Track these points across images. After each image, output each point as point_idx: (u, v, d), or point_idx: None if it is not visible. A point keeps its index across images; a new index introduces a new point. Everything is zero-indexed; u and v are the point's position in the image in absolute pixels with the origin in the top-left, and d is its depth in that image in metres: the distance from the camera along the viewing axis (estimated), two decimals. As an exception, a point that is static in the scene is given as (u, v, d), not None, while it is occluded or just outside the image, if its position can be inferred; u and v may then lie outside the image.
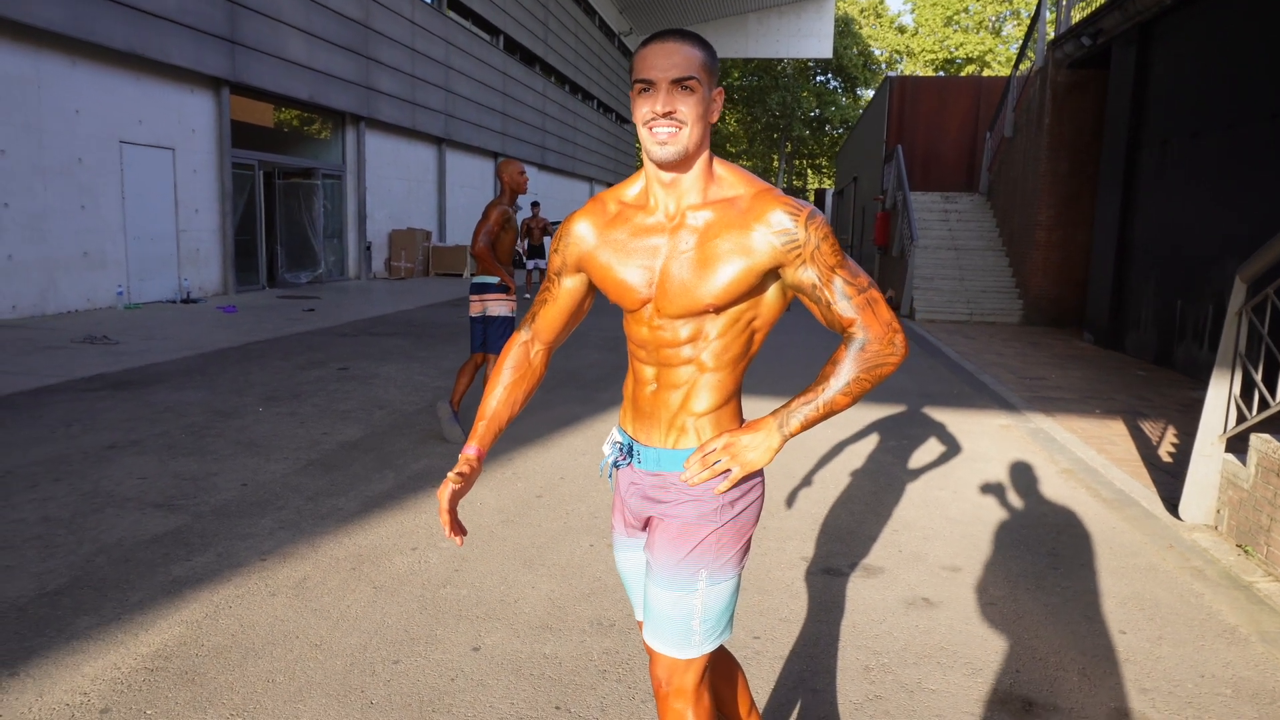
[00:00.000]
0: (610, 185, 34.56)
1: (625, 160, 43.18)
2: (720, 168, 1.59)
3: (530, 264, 15.74)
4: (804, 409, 1.54)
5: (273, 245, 16.02)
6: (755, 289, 1.55)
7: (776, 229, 1.50)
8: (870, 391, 1.55)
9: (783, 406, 1.57)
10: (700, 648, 1.63)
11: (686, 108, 1.48)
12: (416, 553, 3.64)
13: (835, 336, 11.42)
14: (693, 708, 1.64)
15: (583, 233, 1.67)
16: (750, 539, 1.67)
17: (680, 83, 1.48)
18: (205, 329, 10.07)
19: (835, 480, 4.90)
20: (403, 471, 4.78)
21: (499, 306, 5.48)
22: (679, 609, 1.61)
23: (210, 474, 4.60)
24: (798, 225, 1.50)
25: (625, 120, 43.13)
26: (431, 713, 2.47)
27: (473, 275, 5.57)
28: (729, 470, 1.56)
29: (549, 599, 3.23)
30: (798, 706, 2.58)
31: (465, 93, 22.49)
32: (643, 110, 1.49)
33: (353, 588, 3.28)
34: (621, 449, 1.69)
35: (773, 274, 1.55)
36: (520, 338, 1.80)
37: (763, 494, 1.69)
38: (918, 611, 3.25)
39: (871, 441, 5.83)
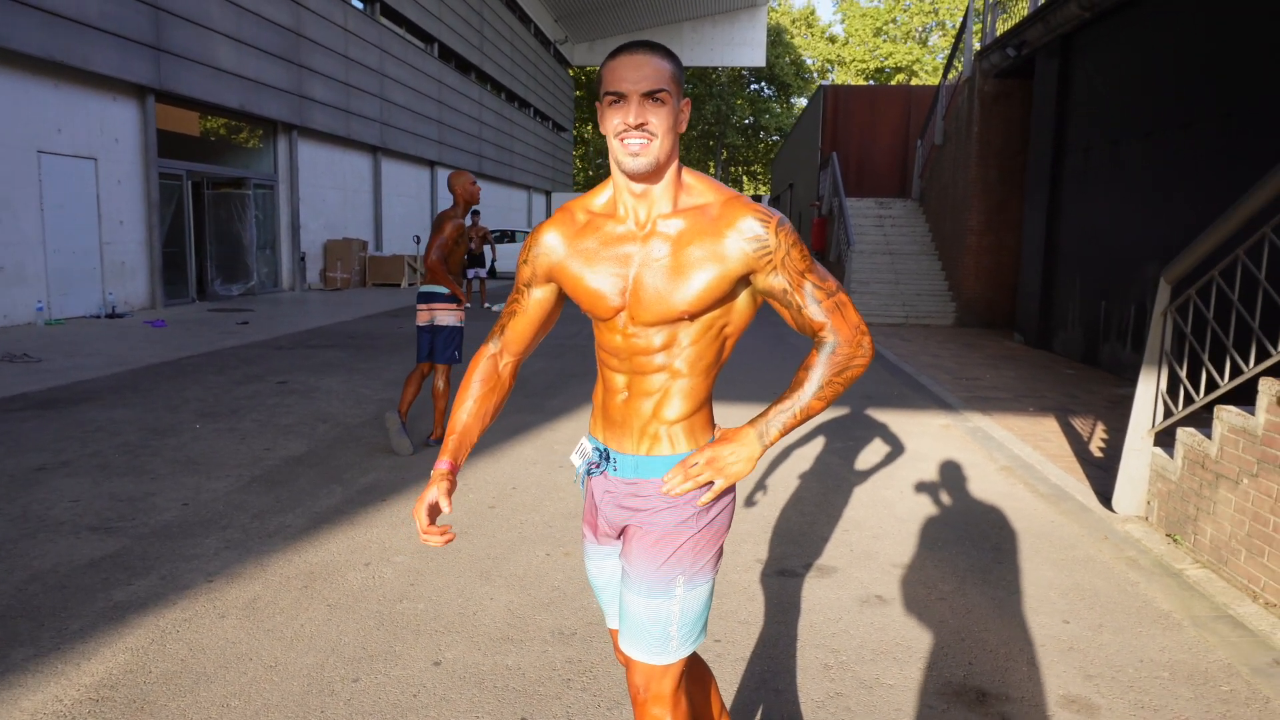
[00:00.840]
0: (549, 193, 34.49)
1: (562, 169, 43.12)
2: (689, 176, 1.61)
3: (470, 273, 15.59)
4: (781, 416, 1.58)
5: (203, 257, 15.57)
6: (727, 295, 1.57)
7: (748, 235, 1.53)
8: (842, 394, 1.59)
9: (760, 415, 1.60)
10: (677, 653, 1.64)
11: (658, 119, 1.50)
12: (370, 568, 3.58)
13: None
14: (671, 713, 1.65)
15: (552, 243, 1.66)
16: (721, 547, 1.69)
17: (651, 95, 1.49)
18: (133, 345, 9.73)
19: (785, 482, 4.97)
20: (351, 486, 4.69)
21: (447, 316, 5.42)
22: (656, 615, 1.62)
23: (148, 494, 4.45)
24: (768, 232, 1.53)
25: (562, 128, 43.08)
26: (395, 730, 2.44)
27: (420, 284, 5.50)
28: (711, 482, 1.58)
29: (508, 610, 3.21)
30: (761, 707, 2.62)
31: (400, 101, 22.20)
32: (614, 122, 1.50)
33: (305, 606, 3.21)
34: (599, 455, 1.69)
35: (744, 280, 1.58)
36: (488, 350, 1.78)
37: (734, 498, 1.72)
38: (872, 609, 3.32)
39: (818, 443, 5.93)
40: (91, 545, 3.74)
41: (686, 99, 1.58)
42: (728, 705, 2.62)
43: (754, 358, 9.80)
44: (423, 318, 5.47)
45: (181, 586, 3.35)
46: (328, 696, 2.60)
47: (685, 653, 1.65)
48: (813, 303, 1.57)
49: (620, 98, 1.49)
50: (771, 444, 1.58)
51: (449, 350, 5.41)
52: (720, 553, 1.69)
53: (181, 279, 14.60)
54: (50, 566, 3.50)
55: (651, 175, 1.54)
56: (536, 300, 1.72)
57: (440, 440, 5.60)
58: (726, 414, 6.36)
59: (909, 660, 2.92)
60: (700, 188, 1.59)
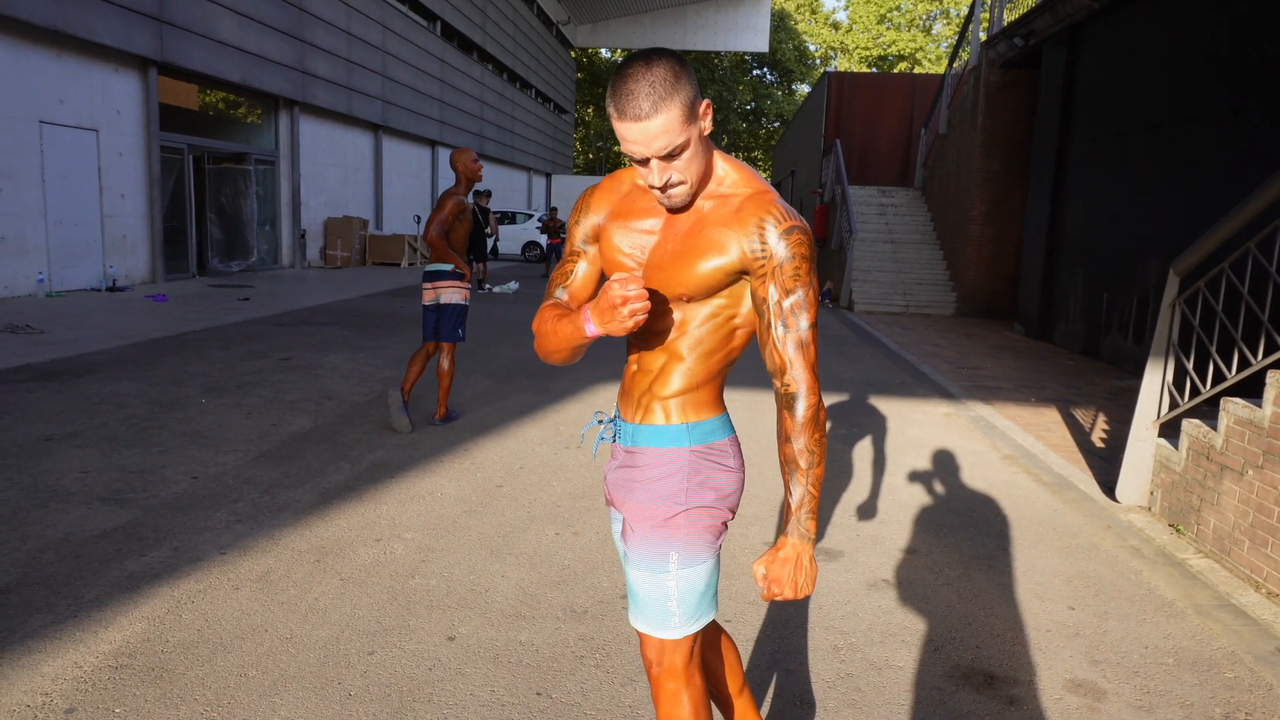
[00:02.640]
0: (549, 175, 34.37)
1: (563, 151, 42.95)
2: (725, 164, 1.61)
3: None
4: (807, 506, 1.55)
5: (203, 232, 15.51)
6: (726, 285, 1.57)
7: (752, 234, 1.51)
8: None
9: (788, 520, 1.57)
10: (682, 629, 1.66)
11: (682, 165, 1.51)
12: (381, 544, 3.60)
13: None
14: (685, 687, 1.67)
15: (599, 207, 1.71)
16: (725, 524, 1.69)
17: (674, 154, 1.49)
18: (135, 318, 9.71)
19: (790, 467, 5.00)
20: (358, 463, 4.71)
21: (452, 294, 5.41)
22: (655, 590, 1.64)
23: (158, 466, 4.47)
24: (774, 236, 1.51)
25: (563, 110, 42.87)
26: (412, 702, 2.46)
27: (425, 263, 5.49)
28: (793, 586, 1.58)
29: (519, 587, 3.24)
30: (773, 686, 2.65)
31: (402, 79, 22.07)
32: (640, 171, 1.54)
33: (319, 580, 3.23)
34: (610, 420, 1.76)
35: (743, 276, 1.58)
36: (552, 303, 1.72)
37: (740, 479, 1.70)
38: (879, 592, 3.35)
39: (822, 430, 5.96)
40: (103, 516, 3.76)
41: (704, 101, 1.51)
42: (740, 683, 2.65)
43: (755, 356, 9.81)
44: (428, 297, 5.47)
45: (194, 558, 3.37)
46: (344, 668, 2.62)
47: (691, 629, 1.66)
48: (783, 328, 1.52)
49: (640, 160, 1.51)
50: (815, 537, 1.61)
51: (453, 329, 5.41)
52: (720, 534, 1.68)
53: (182, 254, 14.55)
54: (63, 536, 3.52)
55: None
56: (594, 255, 1.73)
57: (445, 419, 5.61)
58: (736, 403, 6.38)
59: (917, 643, 2.95)
60: (735, 178, 1.60)
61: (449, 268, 5.38)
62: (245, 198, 16.26)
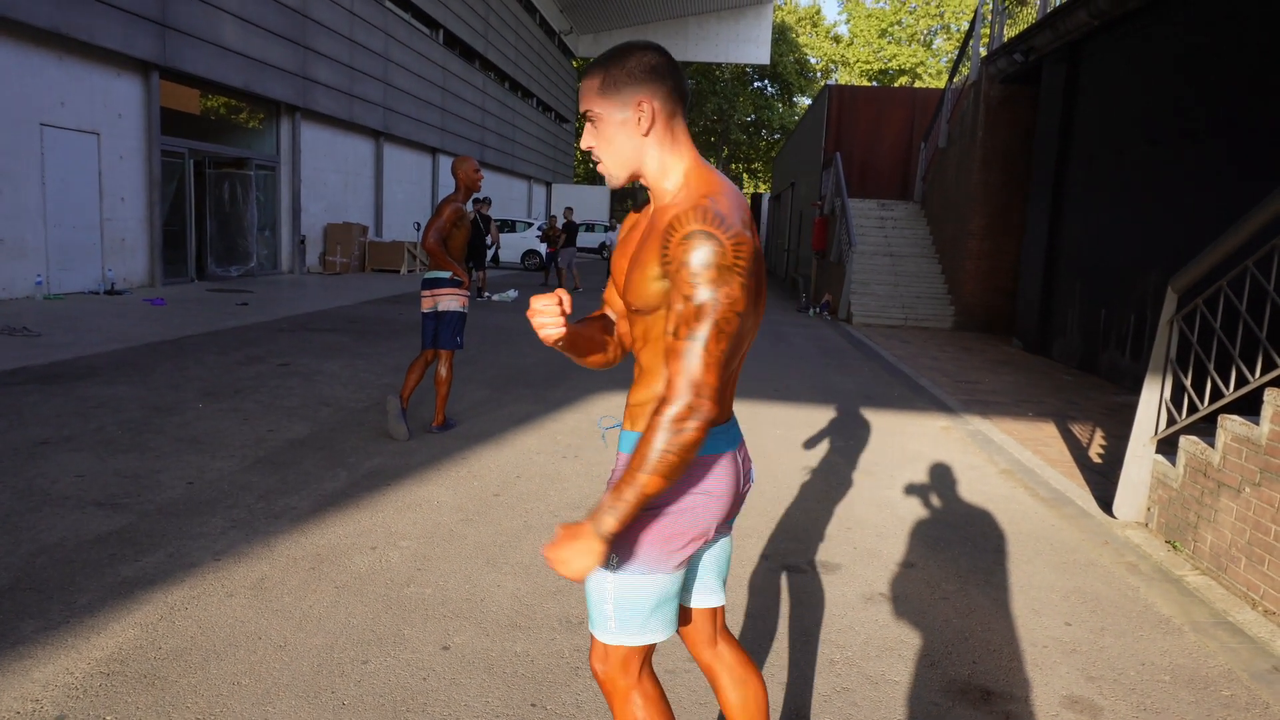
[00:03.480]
0: (549, 184, 34.49)
1: (564, 160, 43.04)
2: (689, 176, 1.58)
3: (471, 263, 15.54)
4: (617, 506, 1.45)
5: (202, 237, 15.50)
6: (661, 294, 1.52)
7: (663, 234, 1.48)
8: (688, 461, 1.44)
9: (600, 505, 1.49)
10: (616, 635, 1.62)
11: (598, 141, 1.60)
12: (376, 552, 3.59)
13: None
14: (616, 700, 1.67)
15: (622, 230, 1.79)
16: (678, 548, 1.60)
17: (587, 118, 1.60)
18: (133, 322, 9.70)
19: (788, 480, 4.99)
20: (355, 470, 4.70)
21: (450, 301, 5.40)
22: (595, 588, 1.63)
23: (153, 471, 4.45)
24: (675, 241, 1.45)
25: (564, 119, 42.99)
26: (406, 712, 2.45)
27: (424, 270, 5.49)
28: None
29: (515, 597, 3.23)
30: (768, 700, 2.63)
31: (404, 86, 22.13)
32: None
33: (313, 588, 3.21)
34: (618, 425, 1.81)
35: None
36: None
37: (705, 507, 1.61)
38: (876, 606, 3.34)
39: (821, 442, 5.95)
40: (97, 520, 3.74)
41: (642, 96, 1.54)
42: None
43: (751, 356, 9.81)
44: (426, 304, 5.46)
45: (189, 564, 3.35)
46: (338, 677, 2.61)
47: (625, 640, 1.62)
48: (672, 336, 1.45)
49: None
50: (612, 534, 1.47)
51: (451, 336, 5.40)
52: (667, 554, 1.60)
53: (181, 258, 14.54)
54: (56, 540, 3.50)
55: (637, 180, 1.64)
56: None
57: (442, 427, 5.60)
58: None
59: (913, 658, 2.94)
60: (689, 190, 1.55)
61: (448, 275, 5.37)
62: (245, 203, 16.27)
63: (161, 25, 12.87)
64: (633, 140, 1.57)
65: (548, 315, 1.56)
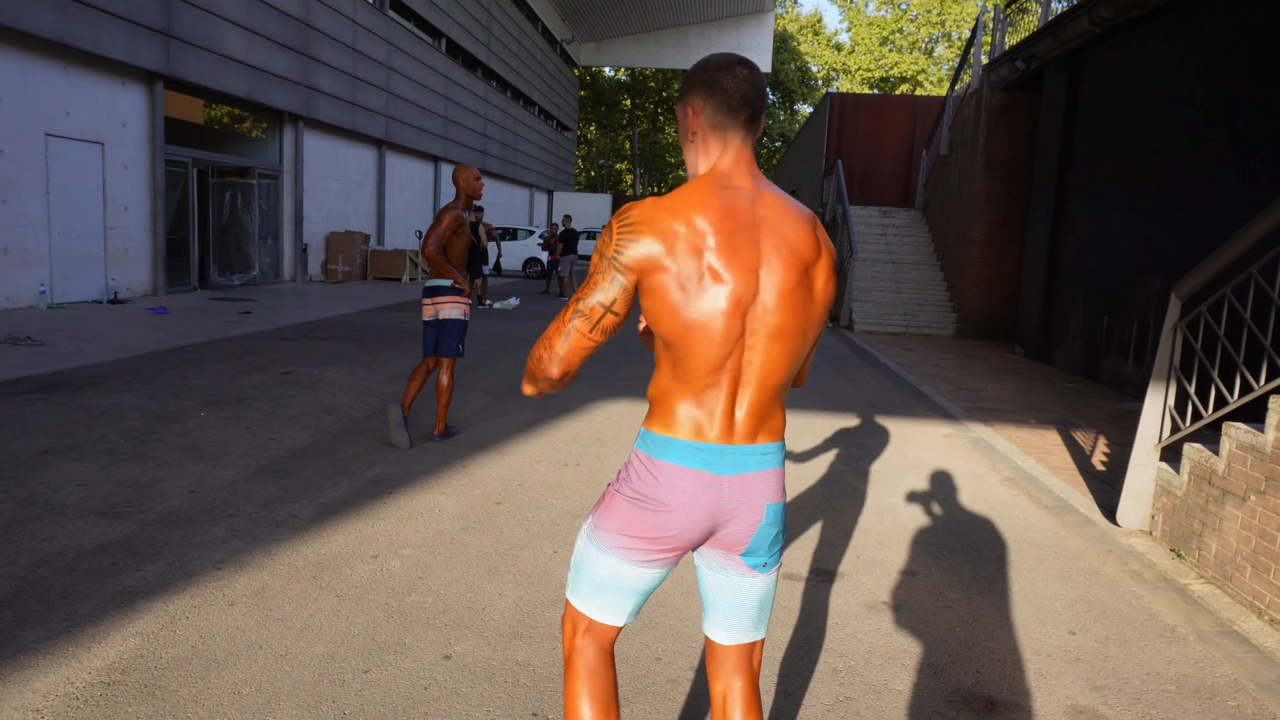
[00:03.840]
0: (550, 192, 34.62)
1: (565, 168, 43.13)
2: (687, 185, 1.66)
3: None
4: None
5: (205, 245, 15.55)
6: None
7: None
8: (530, 380, 1.66)
9: None
10: (569, 589, 1.75)
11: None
12: (378, 560, 3.58)
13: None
14: (565, 655, 1.77)
15: None
16: (630, 539, 1.63)
17: None
18: (136, 330, 9.71)
19: (791, 488, 4.98)
20: (357, 478, 4.69)
21: (451, 309, 5.40)
22: (579, 537, 1.78)
23: (155, 480, 4.45)
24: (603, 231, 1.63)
25: (566, 127, 43.09)
26: (407, 722, 2.44)
27: (425, 278, 5.49)
28: None
29: (517, 606, 3.22)
30: (771, 709, 2.62)
31: (406, 95, 22.20)
32: None
33: (314, 597, 3.21)
34: None
35: None
36: None
37: (654, 512, 1.61)
38: (879, 615, 3.33)
39: (823, 450, 5.94)
40: (99, 530, 3.74)
41: (692, 102, 1.66)
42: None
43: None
44: (427, 312, 5.46)
45: (190, 573, 3.34)
46: (339, 687, 2.60)
47: (571, 598, 1.73)
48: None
49: None
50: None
51: (452, 343, 5.40)
52: (605, 523, 1.66)
53: (184, 266, 14.58)
54: (58, 550, 3.50)
55: None
56: None
57: (444, 435, 5.60)
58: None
59: (917, 667, 2.93)
60: None
61: (448, 283, 5.38)
62: (248, 211, 16.31)
63: (166, 35, 12.94)
64: (685, 140, 1.69)
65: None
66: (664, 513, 1.60)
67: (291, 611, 3.07)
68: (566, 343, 1.58)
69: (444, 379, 5.45)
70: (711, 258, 1.52)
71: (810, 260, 1.60)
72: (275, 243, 17.50)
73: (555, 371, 1.59)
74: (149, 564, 3.41)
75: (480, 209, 15.78)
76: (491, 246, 24.06)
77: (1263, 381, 3.77)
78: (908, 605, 3.43)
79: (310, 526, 3.92)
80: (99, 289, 12.39)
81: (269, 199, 17.14)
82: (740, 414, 1.59)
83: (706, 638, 1.77)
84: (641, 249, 1.53)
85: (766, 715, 2.59)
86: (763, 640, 1.75)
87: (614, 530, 1.65)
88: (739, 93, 1.60)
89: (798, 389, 8.04)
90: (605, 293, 1.55)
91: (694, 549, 1.68)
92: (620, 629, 1.74)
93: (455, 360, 5.50)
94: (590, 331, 1.57)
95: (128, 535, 3.69)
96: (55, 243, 11.58)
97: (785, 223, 1.59)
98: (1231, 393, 3.99)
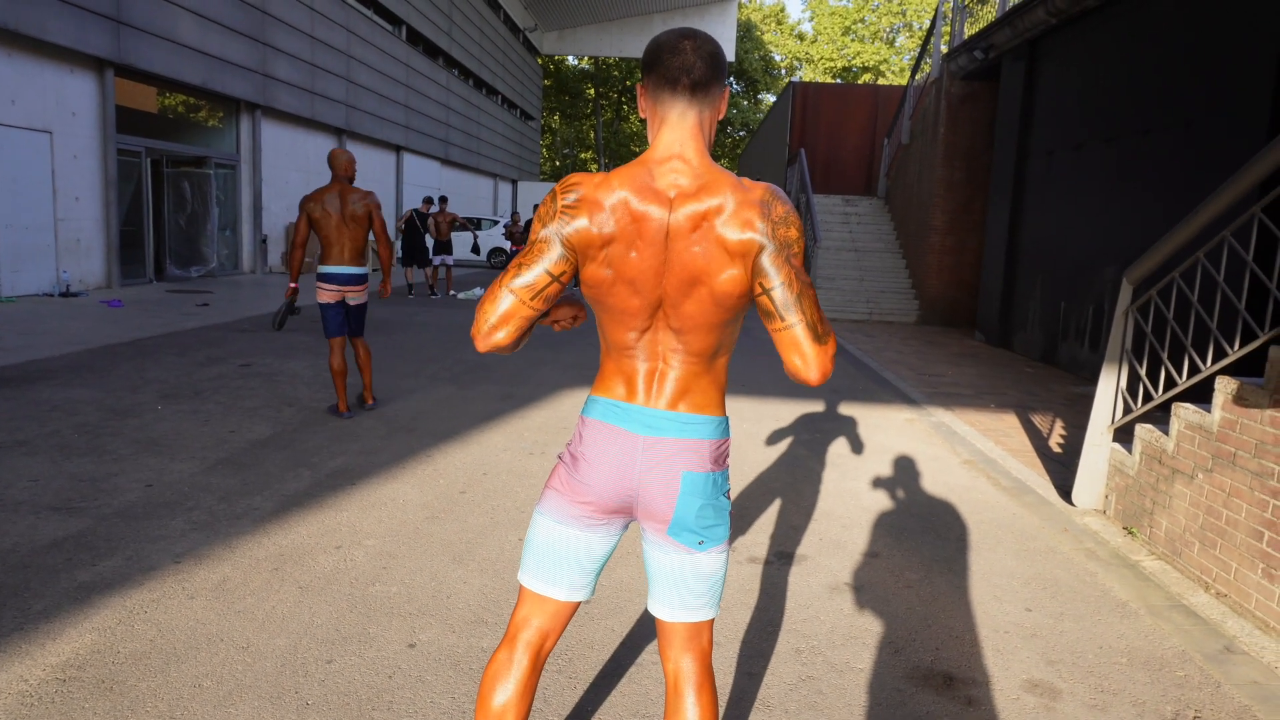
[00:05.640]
0: (515, 181, 34.31)
1: (530, 158, 42.84)
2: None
3: (437, 260, 15.41)
4: None
5: (161, 237, 15.22)
6: None
7: None
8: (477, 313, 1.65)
9: None
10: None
11: None
12: (341, 551, 3.55)
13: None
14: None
15: None
16: (554, 492, 1.70)
17: None
18: (90, 324, 9.50)
19: (754, 472, 5.02)
20: (319, 469, 4.64)
21: (358, 296, 5.88)
22: None
23: (110, 475, 4.37)
24: None
25: (530, 116, 42.79)
26: (371, 710, 2.43)
27: (327, 264, 5.75)
28: None
29: (482, 594, 3.21)
30: (734, 690, 2.65)
31: (367, 83, 21.88)
32: None
33: (276, 588, 3.18)
34: None
35: None
36: None
37: (569, 463, 1.69)
38: (841, 596, 3.38)
39: (786, 435, 6.00)
40: (53, 525, 3.66)
41: (642, 81, 1.64)
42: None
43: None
44: (333, 297, 5.76)
45: (148, 567, 3.29)
46: (302, 677, 2.58)
47: (519, 571, 1.75)
48: None
49: None
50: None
51: (362, 324, 5.95)
52: (549, 493, 1.71)
53: (139, 259, 14.26)
54: (10, 546, 3.42)
55: None
56: None
57: (373, 405, 6.09)
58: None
59: (878, 645, 2.98)
60: None
61: (363, 270, 5.80)
62: (205, 202, 15.99)
63: (116, 21, 12.61)
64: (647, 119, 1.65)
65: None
66: (583, 466, 1.66)
67: (253, 604, 3.04)
68: (503, 291, 1.56)
69: (364, 352, 5.99)
70: (627, 233, 1.55)
71: (732, 236, 1.53)
72: (234, 234, 17.19)
73: (491, 317, 1.58)
74: (105, 559, 3.35)
75: (445, 199, 15.65)
76: (465, 235, 23.88)
77: (1209, 363, 3.87)
78: (869, 586, 3.48)
79: (271, 518, 3.88)
80: (50, 282, 12.09)
81: (227, 189, 16.81)
82: (661, 382, 1.63)
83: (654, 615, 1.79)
84: (579, 223, 1.56)
85: (728, 696, 2.62)
86: (710, 621, 1.73)
87: (549, 489, 1.72)
88: (678, 63, 1.56)
89: (781, 379, 8.08)
90: (550, 260, 1.56)
91: (619, 516, 1.68)
92: (559, 620, 1.71)
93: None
94: (517, 277, 1.56)
95: (83, 531, 3.62)
96: (3, 234, 11.26)
97: (705, 203, 1.54)
98: (1180, 374, 4.09)
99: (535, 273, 1.55)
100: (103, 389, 6.28)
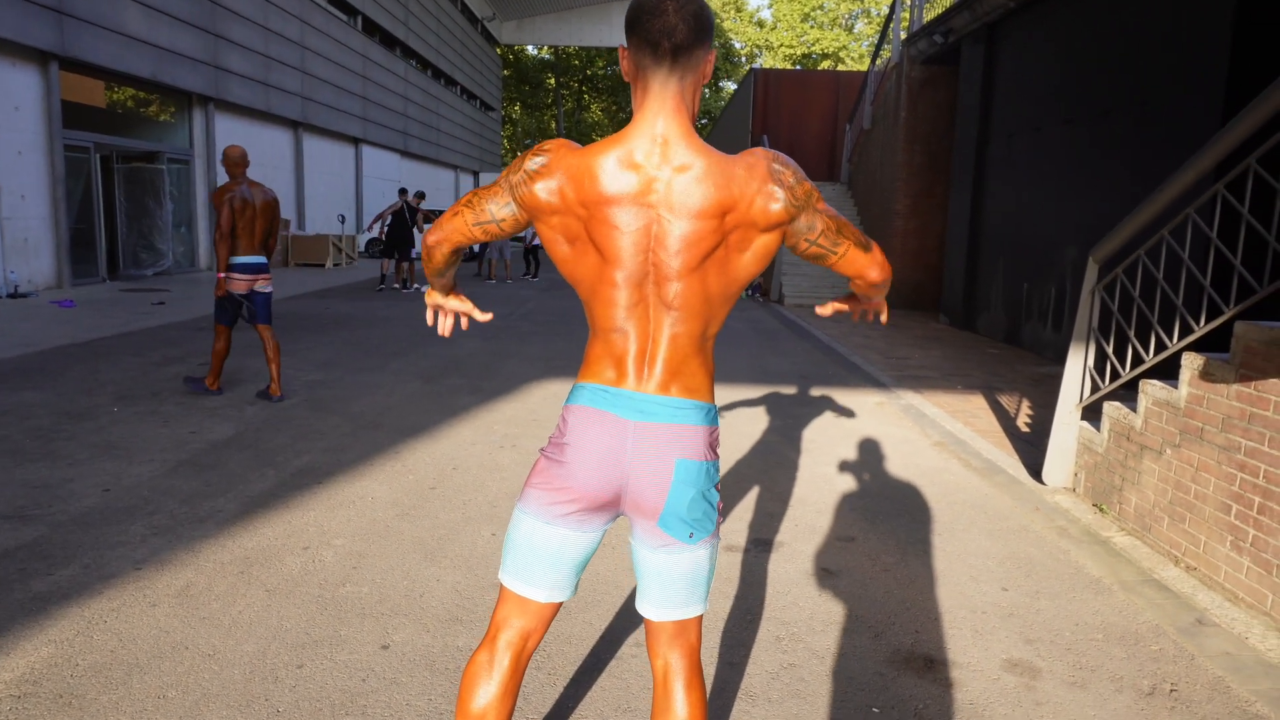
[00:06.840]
0: (476, 173, 34.00)
1: (490, 148, 42.44)
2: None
3: (416, 253, 15.20)
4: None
5: (113, 235, 14.83)
6: None
7: None
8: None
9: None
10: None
11: None
12: (309, 552, 3.46)
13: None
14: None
15: None
16: (538, 490, 1.61)
17: None
18: (41, 325, 9.21)
19: (727, 460, 5.00)
20: (284, 469, 4.53)
21: (266, 284, 6.08)
22: None
23: (65, 480, 4.22)
24: None
25: (490, 107, 42.37)
26: (345, 715, 2.36)
27: (242, 255, 5.85)
28: None
29: (455, 591, 3.15)
30: (714, 679, 2.62)
31: (323, 75, 21.49)
32: None
33: (242, 592, 3.08)
34: None
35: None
36: None
37: (558, 454, 1.60)
38: (819, 582, 3.36)
39: (758, 422, 5.98)
40: (5, 534, 3.52)
41: (625, 44, 1.58)
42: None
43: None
44: (243, 287, 5.90)
45: (107, 575, 3.18)
46: (272, 684, 2.50)
47: (500, 571, 1.69)
48: None
49: None
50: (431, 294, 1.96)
51: (269, 312, 6.10)
52: (532, 490, 1.62)
53: (91, 257, 13.87)
54: (-40, 557, 3.29)
55: None
56: None
57: (280, 398, 6.08)
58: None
59: (858, 630, 2.96)
60: None
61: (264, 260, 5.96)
62: (158, 198, 15.59)
63: (59, 13, 12.22)
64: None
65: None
66: (569, 454, 1.57)
67: (219, 609, 2.95)
68: (439, 231, 1.71)
69: (274, 342, 6.08)
70: (592, 206, 1.49)
71: (724, 209, 1.49)
72: (189, 230, 16.79)
73: (430, 249, 1.74)
74: (61, 568, 3.23)
75: (422, 194, 15.44)
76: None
77: (1175, 339, 3.91)
78: (846, 571, 3.47)
79: (236, 521, 3.77)
80: (-3, 283, 11.71)
81: (180, 185, 16.41)
82: (651, 364, 1.56)
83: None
84: (539, 192, 1.54)
85: (711, 686, 2.59)
86: (699, 616, 1.67)
87: (530, 486, 1.63)
88: (658, 25, 1.46)
89: (740, 363, 8.07)
90: (498, 207, 1.61)
91: (604, 512, 1.59)
92: (541, 620, 1.65)
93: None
94: (474, 225, 1.64)
95: (37, 539, 3.49)
96: (-54, 235, 10.88)
97: (689, 175, 1.49)
98: (1147, 351, 4.13)
99: (483, 206, 1.63)
100: (55, 392, 6.09)
